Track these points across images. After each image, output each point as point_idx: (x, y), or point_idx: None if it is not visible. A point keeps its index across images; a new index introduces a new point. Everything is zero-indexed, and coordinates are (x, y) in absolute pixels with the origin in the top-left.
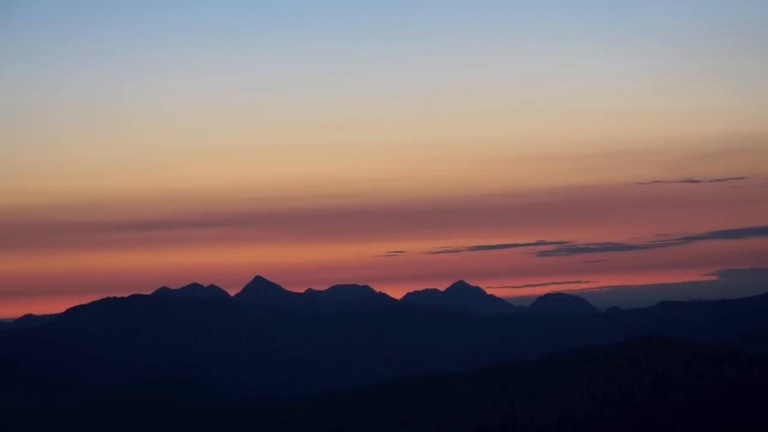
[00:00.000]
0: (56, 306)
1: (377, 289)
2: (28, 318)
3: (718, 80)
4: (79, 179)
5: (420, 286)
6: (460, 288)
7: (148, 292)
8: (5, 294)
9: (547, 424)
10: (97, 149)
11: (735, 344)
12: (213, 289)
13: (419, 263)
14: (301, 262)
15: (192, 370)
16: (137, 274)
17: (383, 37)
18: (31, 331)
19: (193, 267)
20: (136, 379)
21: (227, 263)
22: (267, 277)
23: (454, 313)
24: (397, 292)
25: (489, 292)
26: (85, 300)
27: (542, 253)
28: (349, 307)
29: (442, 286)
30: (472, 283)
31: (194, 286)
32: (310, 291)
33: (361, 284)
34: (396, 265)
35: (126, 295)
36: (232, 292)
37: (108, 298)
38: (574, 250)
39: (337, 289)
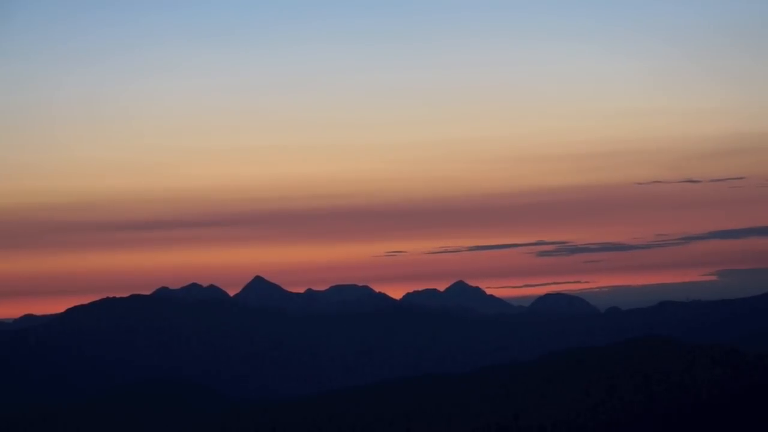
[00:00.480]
0: (56, 306)
1: (377, 289)
2: (28, 318)
3: (718, 80)
4: (79, 179)
5: (420, 286)
6: (459, 288)
7: (148, 292)
8: (5, 294)
9: (547, 425)
10: (97, 149)
11: (735, 344)
12: (212, 289)
13: (419, 263)
14: (300, 262)
15: (192, 370)
16: (137, 274)
17: (383, 37)
18: (30, 331)
19: (193, 267)
20: (135, 379)
21: (227, 263)
22: (267, 277)
23: (453, 313)
24: (396, 292)
25: (489, 292)
26: (85, 300)
27: (542, 253)
28: (349, 308)
29: (442, 286)
30: (472, 283)
31: (194, 286)
32: (309, 291)
33: (361, 284)
34: (396, 265)
35: (125, 295)
36: (231, 292)
37: (107, 298)
38: (574, 250)
39: (336, 289)
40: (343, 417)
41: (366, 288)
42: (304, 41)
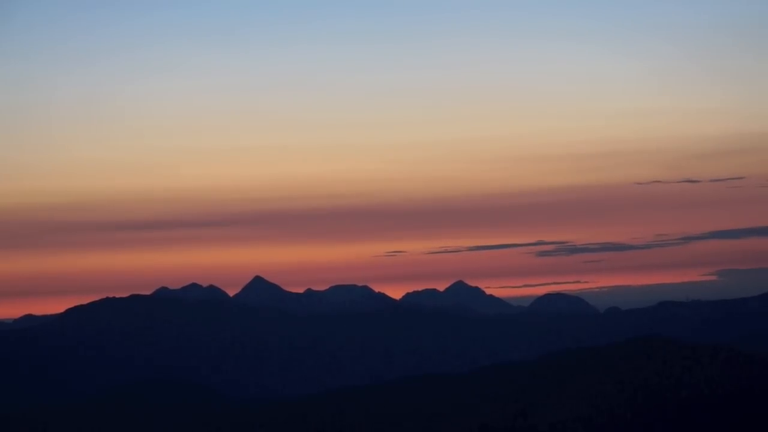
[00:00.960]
0: (56, 306)
1: (377, 289)
2: (28, 318)
3: (718, 80)
4: (79, 179)
5: (419, 286)
6: (459, 288)
7: (148, 292)
8: (5, 294)
9: (547, 424)
10: (97, 149)
11: (735, 344)
12: (212, 289)
13: (419, 263)
14: (300, 262)
15: (192, 370)
16: (136, 274)
17: (383, 37)
18: (30, 331)
19: (193, 267)
20: (135, 379)
21: (226, 263)
22: (266, 277)
23: (453, 313)
24: (396, 292)
25: (488, 292)
26: (85, 300)
27: (542, 253)
28: (349, 307)
29: (442, 286)
30: (472, 283)
31: (193, 286)
32: (309, 291)
33: (361, 284)
34: (395, 265)
35: (125, 295)
36: (231, 292)
37: (107, 298)
38: (574, 250)
39: (336, 289)
40: (342, 417)
41: (366, 288)
42: (304, 41)
